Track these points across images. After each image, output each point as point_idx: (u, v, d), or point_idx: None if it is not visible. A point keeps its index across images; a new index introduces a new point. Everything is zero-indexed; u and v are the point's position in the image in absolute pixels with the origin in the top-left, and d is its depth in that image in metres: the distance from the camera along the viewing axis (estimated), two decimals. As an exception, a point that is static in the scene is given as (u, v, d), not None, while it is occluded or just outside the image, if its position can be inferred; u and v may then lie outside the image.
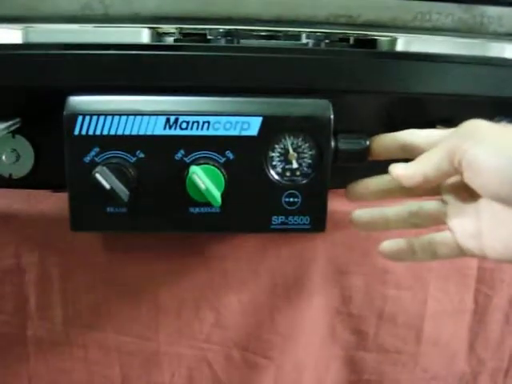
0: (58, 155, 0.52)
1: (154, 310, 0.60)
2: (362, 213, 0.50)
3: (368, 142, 0.50)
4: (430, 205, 0.48)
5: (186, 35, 0.63)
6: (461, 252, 0.45)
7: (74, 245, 0.58)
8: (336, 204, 0.53)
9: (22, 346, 0.60)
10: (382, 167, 0.49)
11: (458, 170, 0.41)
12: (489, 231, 0.42)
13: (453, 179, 0.46)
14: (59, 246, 0.58)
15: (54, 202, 0.58)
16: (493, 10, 0.55)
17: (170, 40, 0.63)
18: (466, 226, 0.44)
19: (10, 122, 0.56)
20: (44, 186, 0.61)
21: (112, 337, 0.61)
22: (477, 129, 0.41)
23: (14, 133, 0.58)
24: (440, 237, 0.46)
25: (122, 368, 0.61)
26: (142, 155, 0.47)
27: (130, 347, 0.61)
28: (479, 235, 0.43)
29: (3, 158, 0.59)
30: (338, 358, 0.63)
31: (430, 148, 0.44)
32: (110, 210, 0.48)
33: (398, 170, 0.45)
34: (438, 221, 0.47)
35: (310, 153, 0.49)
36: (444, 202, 0.47)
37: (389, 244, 0.49)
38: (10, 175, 0.60)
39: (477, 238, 0.43)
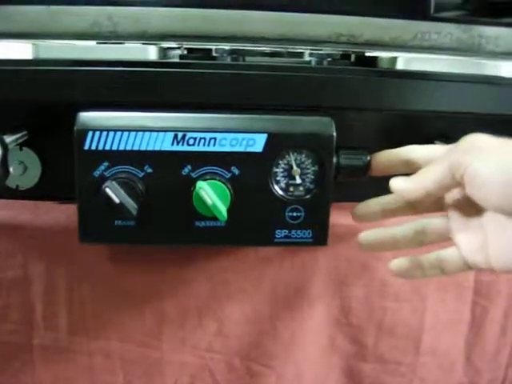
0: (65, 167, 0.54)
1: (157, 319, 0.61)
2: (369, 234, 0.51)
3: (369, 158, 0.52)
4: (434, 222, 0.48)
5: (190, 51, 0.64)
6: (468, 266, 0.45)
7: (80, 255, 0.59)
8: (337, 217, 0.54)
9: (28, 354, 0.61)
10: (382, 181, 0.50)
11: (459, 184, 0.41)
12: (494, 244, 0.42)
13: (456, 194, 0.46)
14: (65, 257, 0.59)
15: (60, 214, 0.60)
16: (490, 31, 0.57)
17: (174, 55, 0.64)
18: (472, 240, 0.45)
19: (18, 135, 0.57)
20: (50, 198, 0.62)
21: (116, 345, 0.62)
22: (478, 143, 0.42)
23: (21, 145, 0.59)
24: (446, 253, 0.47)
25: (125, 376, 0.62)
26: (150, 170, 0.48)
27: (134, 355, 0.62)
28: (485, 248, 0.43)
29: (10, 169, 0.60)
30: (338, 367, 0.64)
31: (430, 163, 0.45)
32: (118, 223, 0.49)
33: (399, 183, 0.46)
34: (443, 237, 0.48)
35: (313, 169, 0.50)
36: (448, 217, 0.48)
37: (398, 262, 0.49)
38: (17, 187, 0.61)
39: (483, 252, 0.43)
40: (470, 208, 0.45)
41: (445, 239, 0.48)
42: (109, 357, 0.62)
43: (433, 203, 0.48)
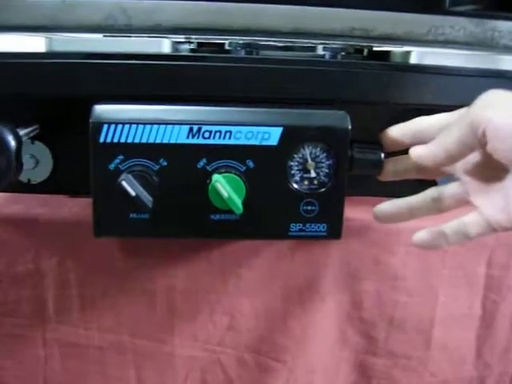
0: (76, 161, 0.54)
1: (169, 314, 0.61)
2: (385, 206, 0.51)
3: (383, 154, 0.52)
4: (450, 188, 0.48)
5: (202, 44, 0.64)
6: (491, 227, 0.45)
7: (92, 249, 0.59)
8: (349, 211, 0.54)
9: (40, 348, 0.61)
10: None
11: (481, 141, 0.41)
12: None
13: (472, 158, 0.46)
14: (77, 251, 0.59)
15: (72, 207, 0.60)
16: (504, 25, 0.57)
17: (186, 49, 0.64)
18: (493, 200, 0.44)
19: (30, 129, 0.57)
20: (62, 191, 0.62)
21: (128, 339, 0.62)
22: (497, 98, 0.42)
23: (32, 139, 0.59)
24: (468, 218, 0.46)
25: (137, 370, 0.62)
26: (165, 163, 0.48)
27: (145, 350, 0.62)
28: (508, 207, 0.43)
29: (23, 160, 0.60)
30: (349, 362, 0.64)
31: (442, 131, 0.45)
32: (132, 216, 0.49)
33: (419, 150, 0.46)
34: (461, 202, 0.48)
35: (328, 162, 0.50)
36: (463, 182, 0.47)
37: (420, 235, 0.49)
38: (29, 180, 0.61)
39: (506, 211, 0.43)
40: (488, 170, 0.45)
41: (462, 204, 0.48)
42: (120, 351, 0.62)
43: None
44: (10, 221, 0.58)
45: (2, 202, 0.60)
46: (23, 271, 0.59)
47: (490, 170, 0.45)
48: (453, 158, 0.44)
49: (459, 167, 0.48)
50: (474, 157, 0.46)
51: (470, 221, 0.46)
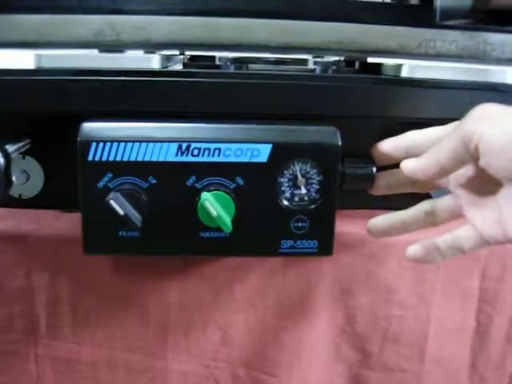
0: (68, 176, 0.53)
1: (162, 329, 0.61)
2: (378, 221, 0.51)
3: (374, 169, 0.51)
4: (443, 201, 0.48)
5: (193, 58, 0.64)
6: (485, 241, 0.44)
7: (84, 265, 0.58)
8: (341, 225, 0.54)
9: (32, 364, 0.61)
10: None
11: (473, 156, 0.41)
12: (510, 215, 0.42)
13: (464, 171, 0.46)
14: (69, 266, 0.59)
15: (63, 223, 0.59)
16: (495, 37, 0.56)
17: (178, 62, 0.64)
18: (486, 213, 0.44)
19: (21, 144, 0.57)
20: (53, 207, 0.62)
21: (120, 355, 0.61)
22: (490, 112, 0.41)
23: (24, 154, 0.59)
24: (461, 231, 0.46)
25: (130, 385, 0.62)
26: (154, 181, 0.48)
27: (138, 365, 0.62)
28: (501, 221, 0.43)
29: (13, 178, 0.59)
30: (343, 376, 0.64)
31: (433, 144, 0.44)
32: (122, 233, 0.49)
33: (411, 164, 0.45)
34: (454, 215, 0.48)
35: (318, 178, 0.50)
36: (456, 195, 0.47)
37: (414, 249, 0.48)
38: (20, 195, 0.61)
39: (499, 224, 0.43)
40: (481, 183, 0.44)
41: (456, 217, 0.48)
42: (113, 366, 0.61)
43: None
44: (0, 236, 0.58)
45: (-8, 218, 0.60)
46: (15, 287, 0.59)
47: (482, 184, 0.45)
48: (445, 172, 0.44)
49: (452, 181, 0.48)
50: (467, 170, 0.46)
51: (463, 234, 0.46)
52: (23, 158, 0.60)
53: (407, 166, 0.46)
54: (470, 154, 0.41)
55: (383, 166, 0.53)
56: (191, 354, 0.62)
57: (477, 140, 0.40)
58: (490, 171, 0.41)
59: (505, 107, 0.41)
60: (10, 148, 0.53)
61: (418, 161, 0.45)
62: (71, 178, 0.50)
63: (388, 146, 0.51)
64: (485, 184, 0.44)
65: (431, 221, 0.49)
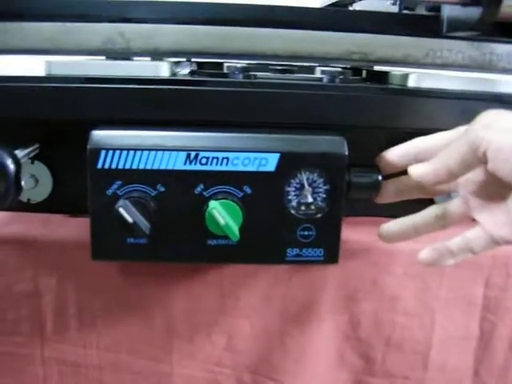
0: (76, 181, 0.54)
1: (167, 333, 0.61)
2: (390, 226, 0.52)
3: (380, 177, 0.52)
4: (453, 204, 0.49)
5: (200, 65, 0.65)
6: (495, 242, 0.45)
7: (91, 269, 0.59)
8: (346, 233, 0.54)
9: (38, 367, 0.62)
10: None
11: (482, 161, 0.41)
12: None
13: (473, 175, 0.46)
14: (76, 270, 0.59)
15: (71, 227, 0.60)
16: (502, 48, 0.57)
17: (185, 67, 0.64)
18: (496, 216, 0.45)
19: (30, 149, 0.57)
20: (62, 211, 0.62)
21: (126, 358, 0.62)
22: (498, 118, 0.42)
23: (32, 159, 0.60)
24: (472, 233, 0.47)
25: (134, 389, 0.63)
26: (162, 189, 0.49)
27: (144, 369, 0.62)
28: (511, 222, 0.44)
29: (22, 183, 0.60)
30: (346, 382, 0.64)
31: (441, 150, 0.45)
32: (130, 240, 0.50)
33: (419, 169, 0.46)
34: (464, 218, 0.49)
35: (325, 188, 0.50)
36: (465, 199, 0.48)
37: (427, 253, 0.49)
38: (29, 200, 0.61)
39: (509, 225, 0.44)
40: (490, 187, 0.45)
41: (465, 220, 0.48)
42: (118, 370, 0.62)
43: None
44: (9, 240, 0.59)
45: (1, 222, 0.60)
46: (22, 290, 0.59)
47: (491, 187, 0.45)
48: (453, 176, 0.44)
49: (461, 184, 0.49)
50: (476, 174, 0.46)
51: (473, 236, 0.47)
52: (32, 162, 0.60)
53: (415, 170, 0.47)
54: (477, 159, 0.42)
55: (388, 176, 0.53)
56: (196, 358, 0.62)
57: (485, 146, 0.40)
58: (498, 175, 0.41)
59: (510, 112, 0.42)
60: (20, 153, 0.54)
61: (427, 165, 0.46)
62: (79, 183, 0.51)
63: (395, 153, 0.51)
64: (494, 187, 0.45)
65: (441, 224, 0.50)
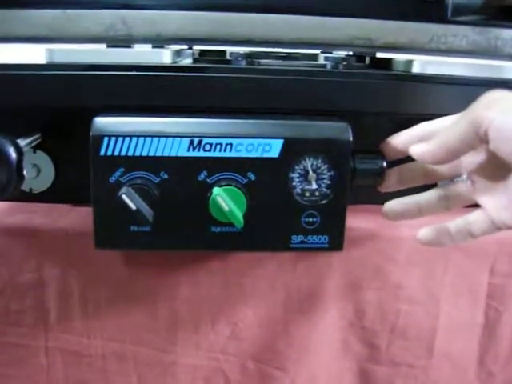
0: (78, 170, 0.54)
1: (171, 322, 0.61)
2: (394, 204, 0.51)
3: (385, 163, 0.51)
4: (457, 186, 0.49)
5: (203, 53, 0.64)
6: (495, 226, 0.45)
7: (95, 258, 0.58)
8: (351, 220, 0.54)
9: (42, 357, 0.61)
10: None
11: (482, 140, 0.41)
12: None
13: (477, 157, 0.46)
14: (80, 260, 0.59)
15: (74, 217, 0.60)
16: (507, 33, 0.56)
17: (188, 56, 0.64)
18: (497, 199, 0.45)
19: (32, 138, 0.57)
20: (64, 201, 0.62)
21: (130, 348, 0.62)
22: (501, 98, 0.42)
23: (34, 148, 0.59)
24: (473, 216, 0.47)
25: (139, 379, 0.63)
26: (165, 176, 0.48)
27: (148, 358, 0.62)
28: (511, 206, 0.43)
29: (24, 172, 0.60)
30: (351, 370, 0.64)
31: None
32: (133, 228, 0.49)
33: (420, 147, 0.46)
34: (467, 200, 0.48)
35: (329, 174, 0.50)
36: (470, 181, 0.48)
37: (425, 232, 0.49)
38: (31, 190, 0.61)
39: (509, 209, 0.44)
40: (493, 169, 0.45)
41: (469, 202, 0.48)
42: (123, 360, 0.62)
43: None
44: (11, 230, 0.58)
45: (3, 212, 0.60)
46: (25, 281, 0.59)
47: (494, 169, 0.45)
48: (453, 155, 0.44)
49: (465, 167, 0.48)
50: (479, 156, 0.46)
51: (474, 219, 0.47)
52: (34, 152, 0.60)
53: (416, 149, 0.46)
54: (479, 139, 0.41)
55: (393, 162, 0.53)
56: (200, 347, 0.62)
57: (487, 125, 0.40)
58: (499, 155, 0.41)
59: None
60: (22, 142, 0.53)
61: (428, 144, 0.45)
62: (82, 172, 0.50)
63: (400, 139, 0.51)
64: (497, 169, 0.44)
65: (444, 205, 0.50)
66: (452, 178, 0.51)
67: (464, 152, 0.44)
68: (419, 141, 0.49)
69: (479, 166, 0.47)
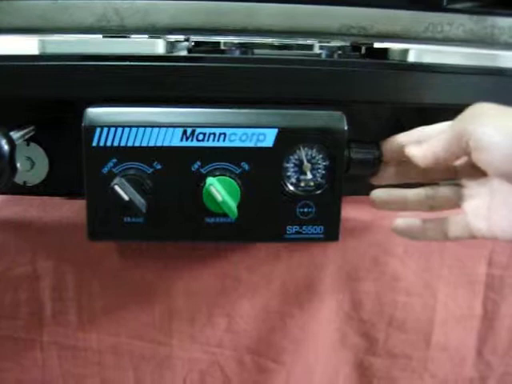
0: (72, 163, 0.53)
1: (167, 315, 0.61)
2: (381, 192, 0.52)
3: (380, 154, 0.51)
4: (446, 189, 0.49)
5: (198, 44, 0.64)
6: (471, 233, 0.46)
7: (89, 251, 0.58)
8: (347, 211, 0.54)
9: (37, 351, 0.61)
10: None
11: (465, 151, 0.42)
12: (498, 211, 0.44)
13: (467, 163, 0.47)
14: (74, 253, 0.59)
15: (68, 209, 0.59)
16: (503, 21, 0.56)
17: (182, 48, 0.63)
18: (479, 206, 0.45)
19: (25, 130, 0.56)
20: (58, 194, 0.62)
21: (126, 341, 0.61)
22: (483, 110, 0.43)
23: (28, 141, 0.59)
24: (453, 218, 0.48)
25: (135, 372, 0.62)
26: (158, 166, 0.48)
27: (144, 351, 0.62)
28: (489, 215, 0.44)
29: (18, 165, 0.59)
30: (348, 362, 0.64)
31: None
32: (127, 219, 0.49)
33: (412, 149, 0.47)
34: (453, 204, 0.49)
35: (324, 164, 0.50)
36: (460, 185, 0.48)
37: (402, 221, 0.50)
38: (25, 183, 0.60)
39: (487, 219, 0.44)
40: (480, 176, 0.45)
41: (454, 207, 0.49)
42: (118, 353, 0.61)
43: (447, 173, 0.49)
44: (5, 223, 0.58)
45: (-3, 205, 0.60)
46: (20, 274, 0.59)
47: (481, 177, 0.45)
48: (439, 161, 0.45)
49: (459, 172, 0.48)
50: (470, 163, 0.46)
51: (453, 221, 0.48)
52: (28, 144, 0.59)
53: (409, 150, 0.48)
54: (461, 148, 0.43)
55: None
56: (196, 340, 0.62)
57: (468, 137, 0.41)
58: (480, 166, 0.42)
59: (499, 107, 0.43)
60: (15, 135, 0.53)
61: (419, 148, 0.47)
62: (76, 166, 0.50)
63: (399, 139, 0.51)
64: (483, 177, 0.45)
65: (430, 204, 0.50)
66: (447, 180, 0.51)
67: (450, 159, 0.45)
68: (417, 142, 0.49)
69: (469, 172, 0.47)
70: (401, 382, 0.64)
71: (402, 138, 0.50)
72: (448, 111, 0.54)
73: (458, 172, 0.48)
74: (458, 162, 0.47)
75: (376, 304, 0.61)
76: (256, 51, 0.57)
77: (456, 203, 0.48)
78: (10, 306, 0.60)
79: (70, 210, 0.59)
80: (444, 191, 0.49)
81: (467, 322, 0.63)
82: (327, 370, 0.64)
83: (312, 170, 0.50)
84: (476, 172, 0.45)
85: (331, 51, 0.55)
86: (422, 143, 0.47)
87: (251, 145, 0.48)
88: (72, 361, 0.62)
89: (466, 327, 0.63)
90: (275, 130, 0.48)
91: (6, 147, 0.50)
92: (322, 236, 0.51)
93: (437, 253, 0.60)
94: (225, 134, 0.47)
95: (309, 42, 0.60)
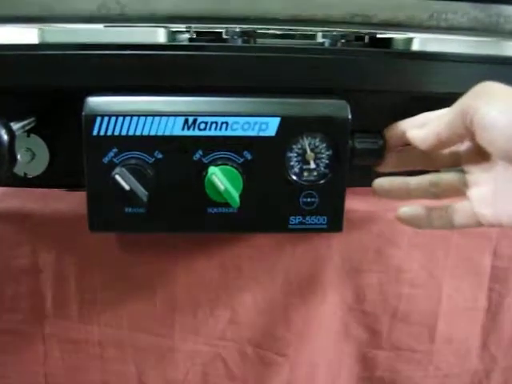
0: (73, 154, 0.53)
1: (169, 308, 0.60)
2: (384, 180, 0.51)
3: (384, 143, 0.50)
4: (450, 175, 0.49)
5: (200, 33, 0.63)
6: (477, 221, 0.45)
7: (90, 243, 0.58)
8: (351, 202, 0.53)
9: (39, 344, 0.61)
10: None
11: (469, 130, 0.41)
12: (503, 197, 0.43)
13: (471, 148, 0.46)
14: (75, 245, 0.58)
15: (69, 201, 0.59)
16: (508, 10, 0.55)
17: (184, 38, 0.62)
18: (483, 193, 0.45)
19: (25, 122, 0.56)
20: (59, 185, 0.61)
21: (127, 334, 0.61)
22: (488, 89, 0.42)
23: (28, 132, 0.58)
24: (458, 205, 0.47)
25: (137, 365, 0.62)
26: (160, 156, 0.47)
27: (146, 344, 0.61)
28: (495, 202, 0.44)
29: (18, 157, 0.59)
30: (352, 355, 0.64)
31: None
32: (128, 210, 0.48)
33: (414, 132, 0.46)
34: (457, 191, 0.48)
35: (328, 153, 0.49)
36: (464, 172, 0.48)
37: (407, 209, 0.49)
38: (25, 174, 0.60)
39: (493, 206, 0.44)
40: (485, 162, 0.45)
41: (459, 194, 0.48)
42: (120, 346, 0.61)
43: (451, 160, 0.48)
44: (6, 215, 0.58)
45: (-2, 197, 0.59)
46: (20, 266, 0.58)
47: (486, 162, 0.45)
48: (442, 143, 0.45)
49: (462, 158, 0.48)
50: (475, 147, 0.45)
51: (458, 208, 0.47)
52: (28, 136, 0.59)
53: (410, 133, 0.47)
54: (465, 128, 0.42)
55: None
56: (199, 333, 0.61)
57: (472, 115, 0.40)
58: (483, 145, 0.41)
59: (507, 87, 0.42)
60: (15, 125, 0.52)
61: (421, 130, 0.46)
62: (77, 157, 0.49)
63: (403, 125, 0.50)
64: (488, 162, 0.44)
65: (434, 192, 0.49)
66: (451, 167, 0.50)
67: (453, 140, 0.44)
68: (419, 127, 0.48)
69: (474, 157, 0.46)
70: (405, 375, 0.63)
71: (405, 123, 0.49)
72: (452, 100, 0.53)
73: (461, 159, 0.48)
74: (462, 148, 0.47)
75: (380, 296, 0.61)
76: (258, 40, 0.56)
77: (460, 190, 0.47)
78: (10, 299, 0.59)
79: (71, 202, 0.59)
80: (448, 178, 0.48)
81: (472, 314, 0.62)
82: (330, 362, 0.63)
83: (315, 159, 0.49)
84: (480, 158, 0.45)
85: (334, 40, 0.54)
86: (424, 126, 0.46)
87: (253, 134, 0.47)
88: (74, 354, 0.61)
89: (471, 319, 0.63)
90: (278, 119, 0.47)
91: (5, 137, 0.49)
92: (325, 226, 0.50)
93: (441, 244, 0.60)
94: (227, 122, 0.47)
95: (312, 31, 0.59)
